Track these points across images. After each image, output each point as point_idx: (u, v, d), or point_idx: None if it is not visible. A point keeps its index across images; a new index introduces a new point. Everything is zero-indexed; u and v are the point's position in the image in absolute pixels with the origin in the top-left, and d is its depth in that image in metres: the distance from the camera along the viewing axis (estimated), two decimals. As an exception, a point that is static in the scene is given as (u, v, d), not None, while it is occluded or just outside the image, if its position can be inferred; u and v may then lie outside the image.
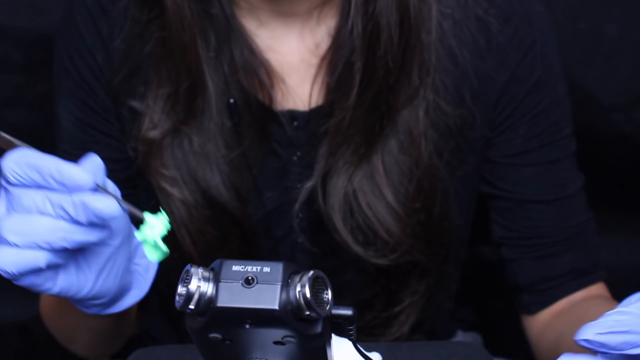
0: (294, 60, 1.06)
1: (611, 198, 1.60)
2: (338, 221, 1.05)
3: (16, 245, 0.77)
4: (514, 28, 1.07)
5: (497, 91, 1.07)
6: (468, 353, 0.98)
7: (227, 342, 0.72)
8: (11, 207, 0.78)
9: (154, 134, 1.04)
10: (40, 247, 0.78)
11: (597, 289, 1.16)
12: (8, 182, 0.78)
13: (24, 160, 0.78)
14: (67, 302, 0.90)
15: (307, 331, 0.70)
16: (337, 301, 1.02)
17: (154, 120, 1.04)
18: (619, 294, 1.69)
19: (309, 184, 1.06)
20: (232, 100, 1.03)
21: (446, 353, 0.97)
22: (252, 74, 1.04)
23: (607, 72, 1.49)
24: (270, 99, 1.06)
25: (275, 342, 0.72)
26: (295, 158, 1.08)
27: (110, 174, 1.12)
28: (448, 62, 1.05)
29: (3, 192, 0.79)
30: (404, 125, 1.04)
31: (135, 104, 1.06)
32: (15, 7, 1.47)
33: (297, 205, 1.08)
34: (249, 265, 0.70)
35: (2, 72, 1.50)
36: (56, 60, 1.12)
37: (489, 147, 1.10)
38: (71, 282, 0.82)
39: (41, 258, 0.78)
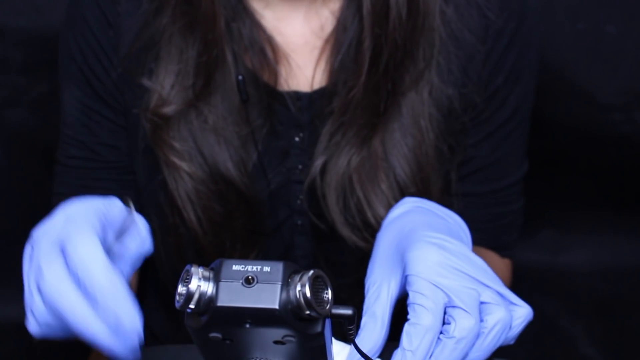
0: (298, 42, 1.08)
1: (611, 198, 1.60)
2: (331, 200, 1.06)
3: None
4: (507, 14, 1.08)
5: (488, 73, 1.09)
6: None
7: (227, 341, 0.72)
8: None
9: (168, 109, 1.05)
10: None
11: None
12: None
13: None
14: None
15: (307, 331, 0.70)
16: (339, 282, 1.02)
17: (163, 96, 1.05)
18: (619, 294, 1.70)
19: (312, 162, 1.07)
20: (240, 77, 1.04)
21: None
22: (259, 52, 1.06)
23: (607, 72, 1.49)
24: (275, 79, 1.07)
25: (276, 342, 0.72)
26: (297, 139, 1.09)
27: (113, 161, 1.13)
28: (451, 45, 1.06)
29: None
30: (407, 108, 1.05)
31: (145, 81, 1.07)
32: (15, 7, 1.48)
33: (307, 182, 1.08)
34: (249, 264, 0.70)
35: (2, 72, 1.50)
36: (61, 46, 1.13)
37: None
38: None
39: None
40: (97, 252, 0.75)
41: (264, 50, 1.06)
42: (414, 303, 0.79)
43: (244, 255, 1.10)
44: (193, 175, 1.06)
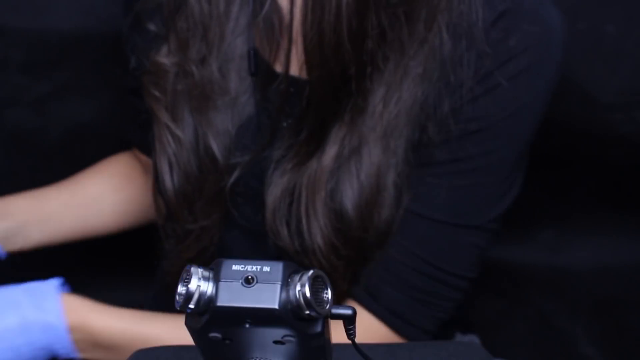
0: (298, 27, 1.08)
1: (611, 198, 1.60)
2: (269, 210, 1.07)
3: None
4: (505, 25, 1.05)
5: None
6: (468, 353, 0.99)
7: (227, 341, 0.72)
8: None
9: (166, 60, 1.10)
10: None
11: None
12: None
13: None
14: None
15: (307, 330, 0.71)
16: (305, 264, 1.01)
17: (165, 51, 1.10)
18: (619, 294, 1.70)
19: (246, 159, 1.09)
20: (252, 51, 1.06)
21: (446, 354, 0.98)
22: (268, 28, 1.07)
23: (607, 72, 1.49)
24: (275, 58, 1.08)
25: (275, 342, 0.72)
26: (285, 125, 1.09)
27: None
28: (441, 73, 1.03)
29: None
30: (374, 118, 1.04)
31: (153, 26, 1.13)
32: (15, 7, 1.48)
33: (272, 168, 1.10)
34: (248, 264, 0.70)
35: (2, 72, 1.50)
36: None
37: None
38: None
39: None
40: None
41: (273, 27, 1.07)
42: None
43: (207, 214, 1.11)
44: (169, 128, 1.09)
